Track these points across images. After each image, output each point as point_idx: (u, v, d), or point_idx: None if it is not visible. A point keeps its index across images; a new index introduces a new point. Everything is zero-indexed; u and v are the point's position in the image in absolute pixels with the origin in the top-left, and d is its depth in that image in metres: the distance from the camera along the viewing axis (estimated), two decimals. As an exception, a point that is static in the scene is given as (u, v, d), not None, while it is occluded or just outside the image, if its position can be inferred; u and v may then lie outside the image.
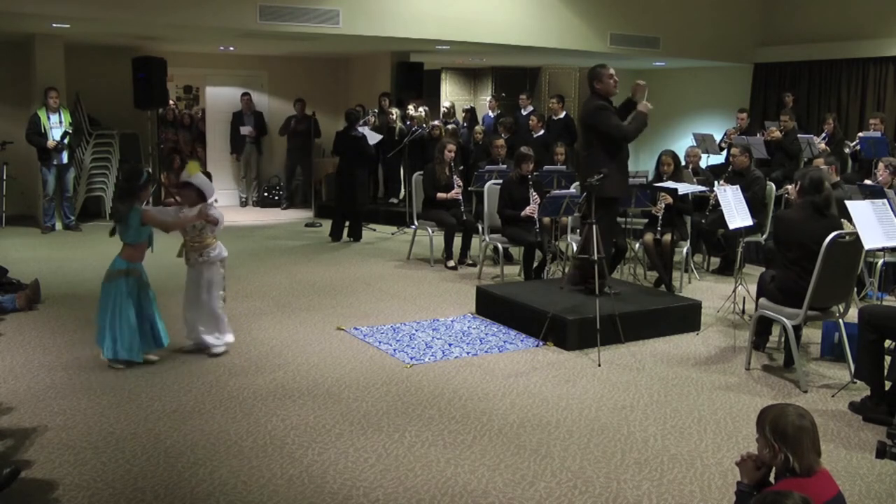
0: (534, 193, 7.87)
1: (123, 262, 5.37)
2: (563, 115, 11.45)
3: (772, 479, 2.86)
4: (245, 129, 13.19)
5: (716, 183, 8.34)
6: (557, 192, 7.66)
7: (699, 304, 6.60)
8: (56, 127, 10.33)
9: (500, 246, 8.13)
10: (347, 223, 10.32)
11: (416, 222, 9.10)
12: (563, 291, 6.35)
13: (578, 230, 7.63)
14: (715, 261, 8.97)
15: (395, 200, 12.58)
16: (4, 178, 11.11)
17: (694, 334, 6.37)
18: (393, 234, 10.95)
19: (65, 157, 10.50)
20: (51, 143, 10.27)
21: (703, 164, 10.30)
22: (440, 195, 8.79)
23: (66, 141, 10.40)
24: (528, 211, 7.81)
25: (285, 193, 13.52)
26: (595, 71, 6.34)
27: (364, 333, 6.19)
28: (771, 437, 2.76)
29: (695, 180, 8.38)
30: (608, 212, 6.31)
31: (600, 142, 6.25)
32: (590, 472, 3.90)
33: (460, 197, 8.87)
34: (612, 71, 6.31)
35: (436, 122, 12.18)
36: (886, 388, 4.68)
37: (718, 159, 11.57)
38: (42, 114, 10.28)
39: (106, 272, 5.38)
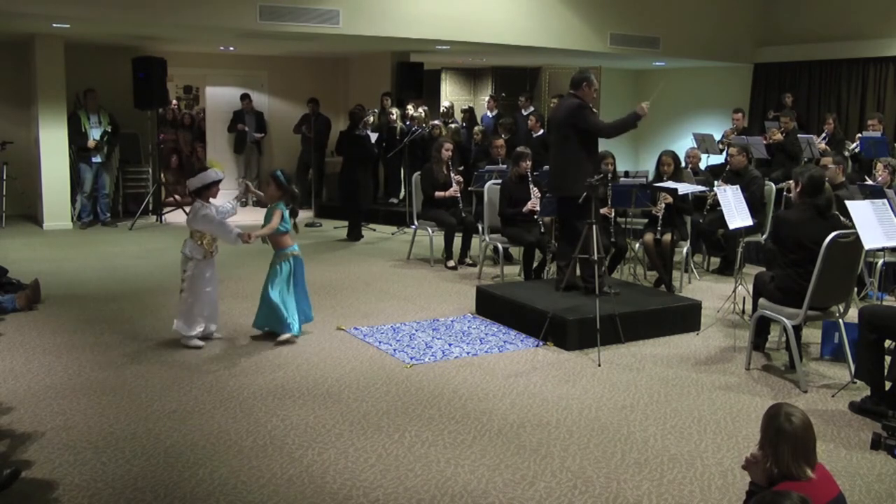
0: (534, 189, 7.86)
1: (296, 246, 5.98)
2: (562, 114, 11.44)
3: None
4: (255, 136, 13.21)
5: (715, 183, 8.34)
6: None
7: (699, 304, 6.60)
8: (95, 127, 10.93)
9: (500, 246, 8.13)
10: (347, 222, 10.32)
11: (416, 222, 9.10)
12: (562, 292, 6.37)
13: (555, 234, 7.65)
14: (715, 261, 8.97)
15: (395, 200, 12.58)
16: (4, 178, 11.12)
17: (694, 334, 6.37)
18: (393, 234, 10.95)
19: (101, 157, 11.09)
20: (91, 143, 10.84)
21: (702, 164, 10.30)
22: (438, 193, 8.80)
23: (105, 140, 10.96)
24: (529, 206, 7.80)
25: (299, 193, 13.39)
26: (584, 77, 6.39)
27: (364, 333, 6.19)
28: (761, 436, 2.77)
29: (694, 181, 8.38)
30: (581, 212, 6.26)
31: (578, 141, 6.31)
32: (590, 472, 3.90)
33: (458, 195, 8.87)
34: (596, 85, 6.48)
35: (436, 122, 12.18)
36: (886, 388, 4.69)
37: (719, 159, 11.57)
38: (82, 114, 10.86)
39: (284, 260, 5.88)
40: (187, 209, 5.74)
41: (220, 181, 5.82)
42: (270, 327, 5.97)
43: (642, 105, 6.26)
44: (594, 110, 6.44)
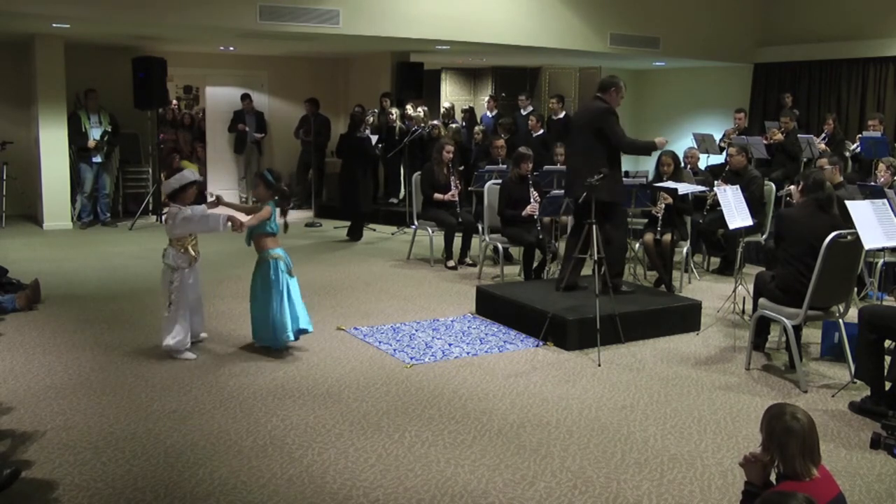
0: (534, 192, 7.87)
1: (279, 250, 5.66)
2: (562, 115, 11.46)
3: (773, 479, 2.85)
4: (255, 136, 13.19)
5: (715, 183, 8.34)
6: (557, 192, 7.66)
7: (699, 304, 6.60)
8: (96, 127, 10.98)
9: (500, 246, 8.13)
10: (348, 223, 10.32)
11: (416, 222, 9.10)
12: (562, 292, 6.37)
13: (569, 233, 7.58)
14: (715, 261, 8.97)
15: (395, 200, 12.57)
16: (4, 178, 11.12)
17: (694, 334, 6.37)
18: (393, 234, 10.95)
19: (101, 157, 11.14)
20: (91, 143, 10.88)
21: (702, 164, 10.31)
22: (437, 196, 8.79)
23: (105, 140, 11.00)
24: (528, 210, 7.80)
25: (298, 193, 13.34)
26: (614, 83, 6.41)
27: (364, 333, 6.19)
28: (764, 435, 2.77)
29: (694, 181, 8.38)
30: (609, 216, 6.26)
31: (602, 145, 6.28)
32: (590, 472, 3.90)
33: (457, 199, 8.86)
34: (623, 92, 6.49)
35: (436, 122, 12.17)
36: (886, 388, 4.69)
37: (719, 159, 11.58)
38: (83, 114, 10.91)
39: (266, 261, 5.62)
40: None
41: (196, 182, 5.51)
42: (267, 342, 5.66)
43: (661, 139, 6.46)
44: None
